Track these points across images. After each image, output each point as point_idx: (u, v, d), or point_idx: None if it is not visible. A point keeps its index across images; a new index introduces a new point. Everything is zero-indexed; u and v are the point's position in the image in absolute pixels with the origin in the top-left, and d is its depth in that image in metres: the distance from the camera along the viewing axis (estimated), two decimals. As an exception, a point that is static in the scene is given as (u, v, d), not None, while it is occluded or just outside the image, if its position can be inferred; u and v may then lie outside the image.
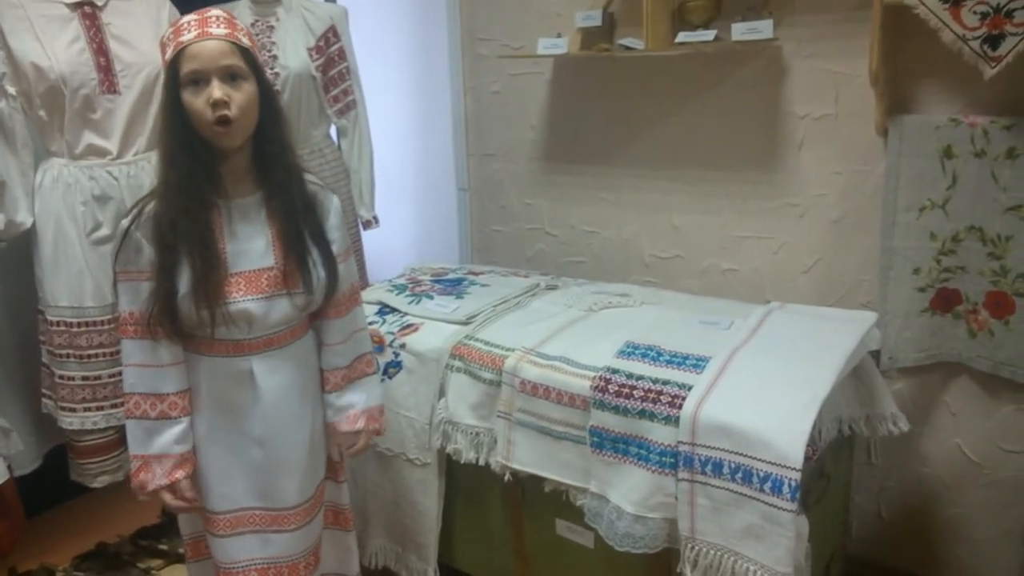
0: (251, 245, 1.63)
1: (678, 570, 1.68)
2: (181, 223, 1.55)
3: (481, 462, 2.00)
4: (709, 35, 2.22)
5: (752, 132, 2.40)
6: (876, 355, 2.09)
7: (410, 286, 2.41)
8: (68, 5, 2.28)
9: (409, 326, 2.18)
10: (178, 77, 1.52)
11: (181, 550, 1.91)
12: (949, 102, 2.07)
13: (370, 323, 2.21)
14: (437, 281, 2.47)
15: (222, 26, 1.55)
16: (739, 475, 1.58)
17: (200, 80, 1.51)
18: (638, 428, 1.72)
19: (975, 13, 1.84)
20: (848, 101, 2.22)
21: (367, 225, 2.85)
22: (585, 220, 2.84)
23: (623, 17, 2.53)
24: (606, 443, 1.76)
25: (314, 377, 1.80)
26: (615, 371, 1.79)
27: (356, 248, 2.86)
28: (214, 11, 1.58)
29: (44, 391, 2.52)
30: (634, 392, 1.74)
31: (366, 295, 2.39)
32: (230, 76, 1.53)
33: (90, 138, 2.34)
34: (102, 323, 2.39)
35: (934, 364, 2.19)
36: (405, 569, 2.25)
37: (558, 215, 2.91)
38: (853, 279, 2.32)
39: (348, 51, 2.72)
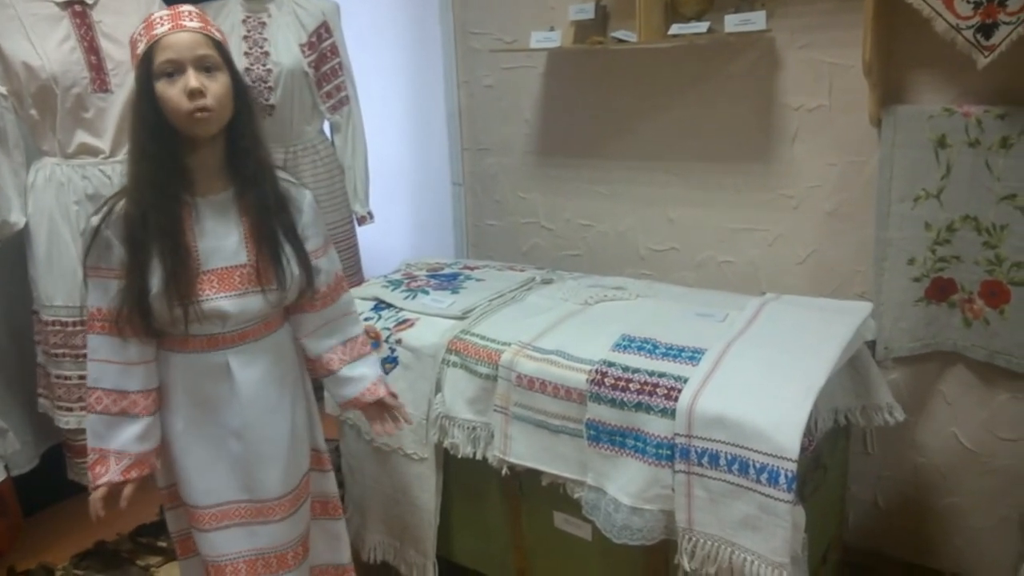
0: (223, 242, 1.63)
1: (675, 561, 1.68)
2: (152, 220, 1.55)
3: (478, 456, 2.01)
4: (702, 27, 2.22)
5: (746, 124, 2.40)
6: (872, 345, 2.09)
7: (405, 281, 2.41)
8: (58, 4, 2.28)
9: (405, 321, 2.18)
10: (151, 69, 1.53)
11: (168, 545, 1.92)
12: (943, 92, 2.07)
13: (365, 319, 2.21)
14: (433, 276, 2.46)
15: (195, 20, 1.57)
16: (735, 466, 1.58)
17: (175, 71, 1.52)
18: (634, 421, 1.72)
19: (968, 2, 1.83)
20: (842, 92, 2.22)
21: (362, 221, 2.85)
22: (580, 213, 2.84)
23: (616, 10, 2.52)
24: (603, 436, 1.76)
25: (292, 369, 1.81)
26: (611, 364, 1.79)
27: (351, 244, 2.87)
28: (185, 6, 1.60)
29: (40, 391, 2.52)
30: (630, 385, 1.74)
31: (361, 291, 2.38)
32: (205, 67, 1.54)
33: (82, 137, 2.33)
34: (92, 321, 2.39)
35: (930, 353, 2.19)
36: (404, 563, 2.26)
37: (553, 209, 2.91)
38: (848, 270, 2.32)
39: (340, 47, 2.72)
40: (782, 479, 1.52)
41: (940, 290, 2.12)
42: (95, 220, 1.59)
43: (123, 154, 2.39)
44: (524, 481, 1.99)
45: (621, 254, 2.77)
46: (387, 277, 2.48)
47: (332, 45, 2.68)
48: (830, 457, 1.94)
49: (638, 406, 1.71)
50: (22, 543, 2.69)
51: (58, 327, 2.37)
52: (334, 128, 2.78)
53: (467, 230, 3.19)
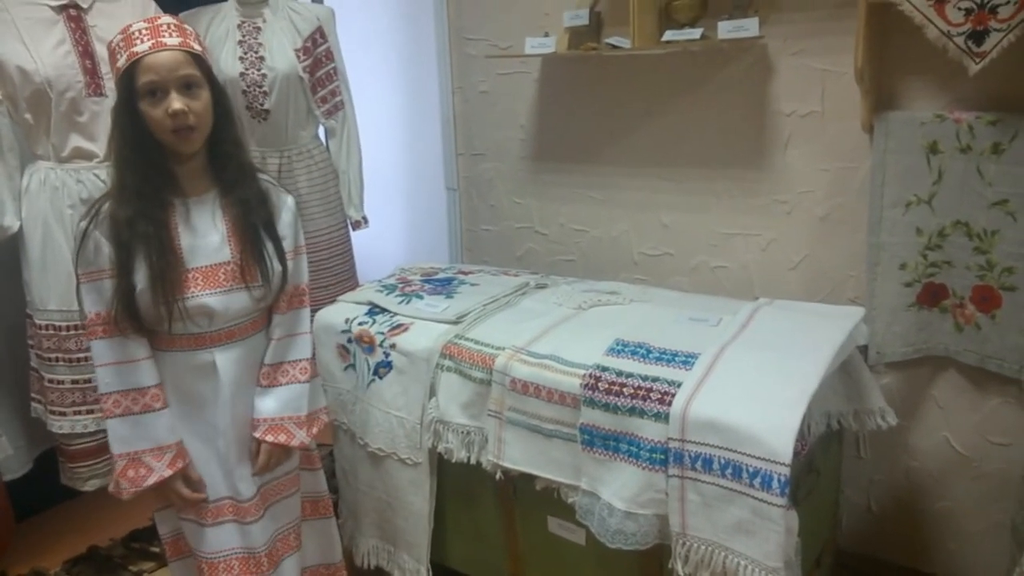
0: (207, 240, 1.67)
1: (669, 566, 1.69)
2: (138, 223, 1.59)
3: (472, 461, 2.01)
4: (695, 33, 2.23)
5: (739, 130, 2.41)
6: (864, 350, 2.10)
7: (400, 286, 2.41)
8: (53, 8, 2.28)
9: (399, 326, 2.18)
10: (133, 87, 1.56)
11: (157, 547, 1.93)
12: (934, 98, 2.09)
13: (360, 323, 2.22)
14: (427, 281, 2.47)
15: (174, 35, 1.59)
16: (729, 471, 1.59)
17: (157, 91, 1.56)
18: (628, 425, 1.73)
19: (959, 9, 1.85)
20: (834, 98, 2.23)
21: (356, 226, 2.85)
22: (574, 219, 2.85)
23: (610, 16, 2.53)
24: (596, 440, 1.77)
25: None
26: (605, 369, 1.80)
27: (345, 249, 2.86)
28: (164, 18, 1.63)
29: (33, 395, 2.51)
30: (624, 389, 1.74)
31: (356, 295, 2.39)
32: (186, 85, 1.58)
33: (77, 141, 2.33)
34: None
35: (921, 358, 2.20)
36: (397, 569, 2.26)
37: (547, 214, 2.92)
38: (840, 275, 2.33)
39: (335, 52, 2.72)
40: (775, 483, 1.52)
41: (932, 295, 2.13)
42: (83, 224, 1.62)
43: (117, 158, 2.39)
44: (518, 486, 1.99)
45: (615, 259, 2.77)
46: (382, 282, 2.48)
47: (327, 50, 2.68)
48: (823, 461, 1.94)
49: (632, 410, 1.72)
50: (15, 548, 2.68)
51: (51, 331, 2.37)
52: (329, 133, 2.78)
53: (461, 235, 3.19)
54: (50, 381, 2.40)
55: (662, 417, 1.68)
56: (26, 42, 2.24)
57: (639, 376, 1.76)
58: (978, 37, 1.84)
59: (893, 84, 2.13)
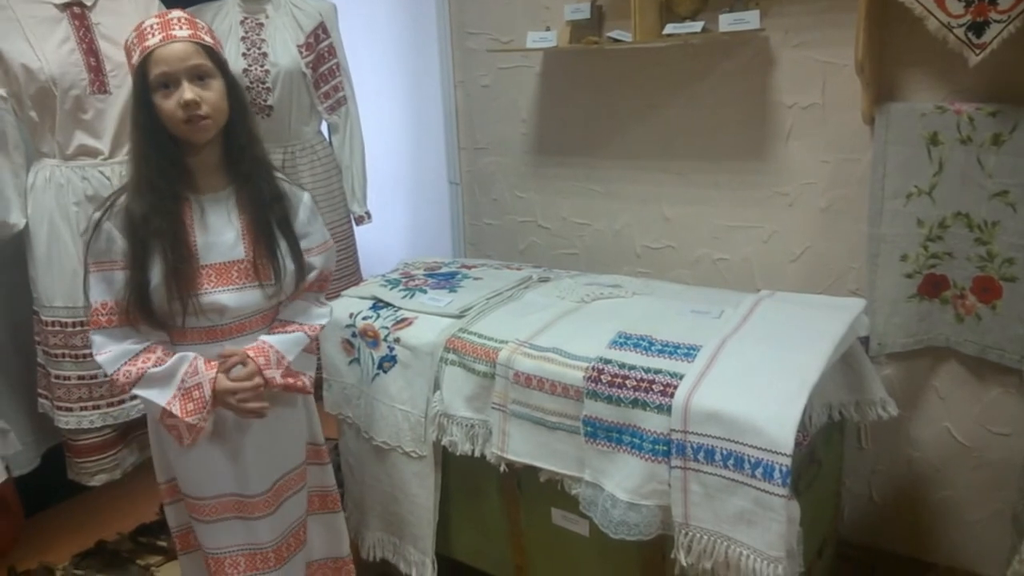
0: (221, 238, 1.68)
1: (672, 556, 1.70)
2: (153, 218, 1.59)
3: (477, 454, 2.02)
4: (696, 26, 2.23)
5: (741, 122, 2.42)
6: (865, 341, 2.11)
7: (403, 280, 2.42)
8: (57, 6, 2.28)
9: (403, 320, 2.20)
10: (147, 80, 1.58)
11: (167, 541, 1.93)
12: (935, 90, 2.09)
13: (364, 318, 2.23)
14: (430, 275, 2.48)
15: (184, 27, 1.60)
16: (731, 461, 1.60)
17: (170, 83, 1.57)
18: (631, 417, 1.74)
19: (959, 1, 1.85)
20: (835, 90, 2.24)
21: (360, 221, 2.86)
22: (576, 212, 2.85)
23: (611, 10, 2.54)
24: (600, 432, 1.78)
25: None
26: (608, 361, 1.81)
27: (349, 244, 2.88)
28: (175, 13, 1.64)
29: (40, 391, 2.53)
30: (627, 382, 1.75)
31: (359, 290, 2.40)
32: (198, 76, 1.59)
33: (81, 138, 2.34)
34: (90, 319, 2.40)
35: (922, 349, 2.21)
36: (403, 561, 2.27)
37: (550, 207, 2.92)
38: (842, 266, 2.34)
39: (338, 47, 2.73)
40: (777, 474, 1.53)
41: (932, 286, 2.14)
42: (97, 215, 1.63)
43: (123, 155, 2.39)
44: (522, 478, 2.00)
45: (617, 252, 2.78)
46: (385, 276, 2.50)
47: (329, 46, 2.69)
48: (825, 452, 1.95)
49: (634, 402, 1.73)
50: (23, 543, 2.70)
51: (58, 328, 2.38)
52: (332, 128, 2.79)
53: (464, 229, 3.20)
54: (56, 377, 2.42)
55: (664, 409, 1.69)
56: (30, 40, 2.25)
57: (642, 368, 1.77)
58: (978, 28, 1.85)
59: (894, 76, 2.14)
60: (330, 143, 2.81)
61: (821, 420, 1.85)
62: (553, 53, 2.72)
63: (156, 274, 1.60)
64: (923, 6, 1.90)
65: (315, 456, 1.96)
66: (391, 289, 2.36)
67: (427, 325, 2.15)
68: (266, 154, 1.78)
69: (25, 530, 2.73)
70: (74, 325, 2.38)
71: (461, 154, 3.13)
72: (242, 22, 2.57)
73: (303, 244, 1.78)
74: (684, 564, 1.67)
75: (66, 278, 2.37)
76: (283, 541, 1.83)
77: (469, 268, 2.56)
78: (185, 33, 1.59)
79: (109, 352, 1.63)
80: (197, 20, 1.65)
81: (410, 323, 2.18)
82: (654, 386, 1.73)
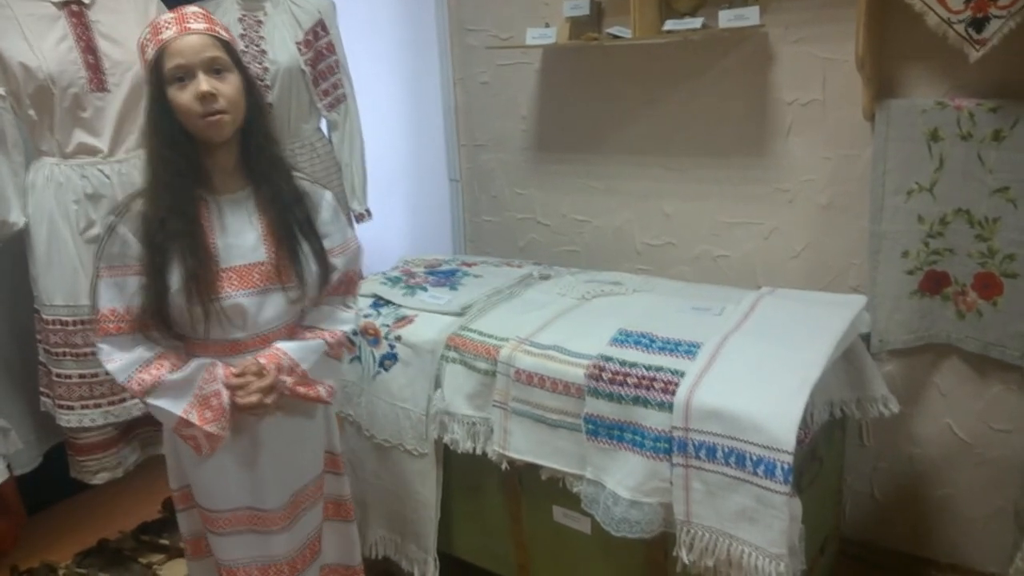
0: (241, 240, 1.63)
1: (674, 554, 1.70)
2: (170, 221, 1.54)
3: (478, 451, 2.02)
4: (696, 22, 2.23)
5: (741, 118, 2.41)
6: (866, 338, 2.11)
7: (404, 278, 2.42)
8: (55, 4, 2.28)
9: (404, 318, 2.20)
10: (162, 75, 1.53)
11: (182, 544, 1.92)
12: (935, 85, 2.09)
13: (365, 316, 2.23)
14: (431, 273, 2.48)
15: (201, 21, 1.57)
16: (733, 459, 1.60)
17: (185, 76, 1.52)
18: (632, 414, 1.74)
19: (959, -4, 1.85)
20: (835, 86, 2.23)
21: (360, 218, 2.86)
22: (576, 209, 2.85)
23: (610, 6, 2.53)
24: (601, 430, 1.78)
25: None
26: (609, 359, 1.81)
27: (350, 241, 2.87)
28: (190, 8, 1.60)
29: (42, 389, 2.53)
30: (628, 379, 1.75)
31: (360, 288, 2.39)
32: (214, 69, 1.54)
33: (81, 137, 2.34)
34: (95, 321, 2.39)
35: (924, 346, 2.21)
36: (405, 559, 2.28)
37: (550, 204, 2.92)
38: (843, 263, 2.34)
39: (337, 44, 2.72)
40: (779, 471, 1.53)
41: (934, 283, 2.14)
42: (111, 219, 1.58)
43: (122, 153, 2.39)
44: (523, 476, 2.01)
45: (617, 249, 2.78)
46: (386, 274, 2.50)
47: (328, 43, 2.68)
48: (826, 449, 1.95)
49: (636, 400, 1.73)
50: (25, 542, 2.71)
51: (58, 326, 2.38)
52: (331, 126, 2.79)
53: (464, 226, 3.20)
54: (58, 375, 2.42)
55: (666, 406, 1.69)
56: (29, 38, 2.24)
57: (643, 366, 1.77)
58: (978, 24, 1.84)
59: (894, 72, 2.13)
60: (329, 140, 2.81)
61: (822, 417, 1.85)
62: (552, 50, 2.72)
63: (175, 279, 1.55)
64: (923, 2, 1.89)
65: (332, 465, 1.91)
66: (392, 287, 2.36)
67: (428, 323, 2.15)
68: (284, 154, 1.72)
69: (27, 529, 2.73)
70: (75, 323, 2.38)
71: (461, 151, 3.12)
72: (240, 19, 2.56)
73: (324, 244, 1.71)
74: (686, 562, 1.68)
75: (66, 276, 2.36)
76: (299, 554, 1.79)
77: (469, 265, 2.56)
78: (201, 26, 1.55)
79: (119, 360, 1.58)
80: (213, 15, 1.62)
81: (411, 321, 2.18)
82: (655, 383, 1.72)
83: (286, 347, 1.68)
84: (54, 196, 2.34)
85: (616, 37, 2.39)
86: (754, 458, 1.57)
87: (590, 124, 2.73)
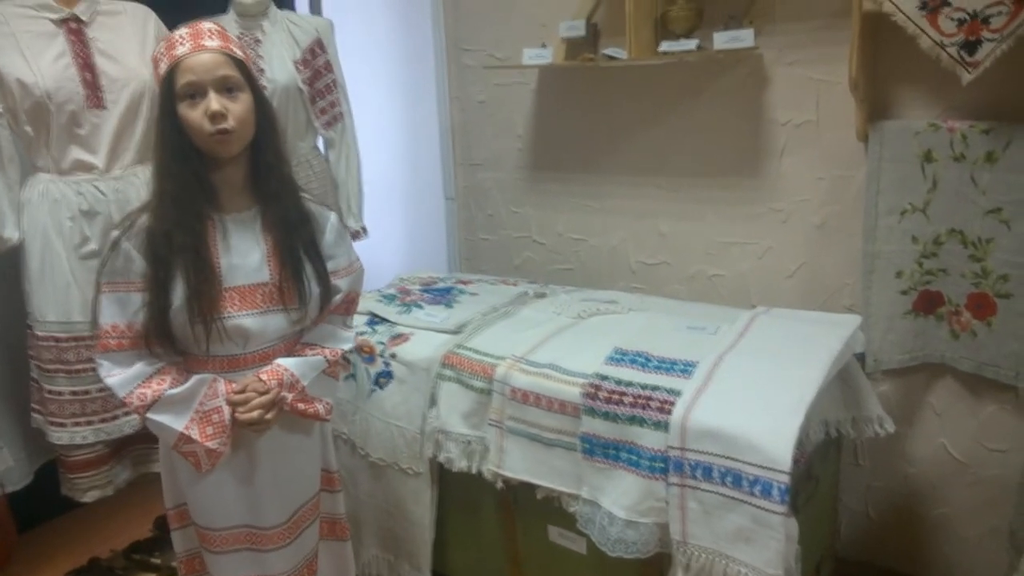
0: (246, 260, 1.62)
1: (670, 574, 1.70)
2: (176, 236, 1.54)
3: (473, 470, 2.01)
4: (691, 44, 2.25)
5: (735, 139, 2.43)
6: (861, 357, 2.12)
7: (399, 296, 2.42)
8: (53, 21, 2.28)
9: (399, 336, 2.19)
10: (173, 90, 1.53)
11: (174, 564, 1.90)
12: (928, 107, 2.11)
13: (360, 333, 2.22)
14: (426, 291, 2.48)
15: (215, 38, 1.57)
16: (729, 479, 1.60)
17: (196, 93, 1.52)
18: (628, 434, 1.74)
19: (952, 19, 1.87)
20: (829, 108, 2.25)
21: (355, 236, 2.86)
22: (572, 228, 2.86)
23: (606, 27, 2.55)
24: (597, 449, 1.78)
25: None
26: (605, 378, 1.81)
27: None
28: (206, 24, 1.59)
29: (34, 406, 2.51)
30: (624, 398, 1.75)
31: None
32: (226, 88, 1.54)
33: (77, 153, 2.33)
34: (90, 338, 2.36)
35: (918, 365, 2.22)
36: (399, 578, 2.26)
37: (545, 223, 2.93)
38: (837, 283, 2.35)
39: (334, 63, 2.73)
40: (775, 491, 1.53)
41: (928, 302, 2.15)
42: (115, 234, 1.58)
43: (118, 170, 2.39)
44: (519, 495, 2.00)
45: (613, 268, 2.79)
46: (381, 292, 2.50)
47: (326, 62, 2.69)
48: (822, 469, 1.95)
49: (632, 419, 1.73)
50: (16, 560, 2.68)
51: (51, 343, 2.37)
52: (328, 144, 2.79)
53: (460, 244, 3.20)
54: (49, 392, 2.40)
55: (662, 426, 1.69)
56: (26, 55, 2.24)
57: (639, 385, 1.77)
58: (971, 47, 1.86)
59: (887, 93, 2.15)
60: (326, 158, 2.81)
61: (818, 437, 1.85)
62: (549, 70, 2.73)
63: (178, 296, 1.54)
64: (916, 25, 1.91)
65: (327, 483, 1.89)
66: (387, 304, 2.35)
67: (423, 341, 2.15)
68: (292, 174, 1.72)
69: (18, 547, 2.71)
70: (67, 340, 2.37)
71: (457, 170, 3.13)
72: (239, 38, 2.57)
73: (329, 266, 1.72)
74: (682, 582, 1.67)
75: (59, 293, 2.35)
76: (296, 572, 1.78)
77: (465, 283, 2.56)
78: (215, 44, 1.55)
79: (120, 375, 1.58)
80: (228, 33, 1.61)
81: (406, 339, 2.18)
82: (651, 403, 1.73)
83: (287, 363, 1.67)
84: (49, 212, 2.33)
85: (612, 58, 2.41)
86: (750, 478, 1.57)
87: (586, 144, 2.75)
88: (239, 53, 1.59)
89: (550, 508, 1.92)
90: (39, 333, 2.37)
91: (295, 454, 1.76)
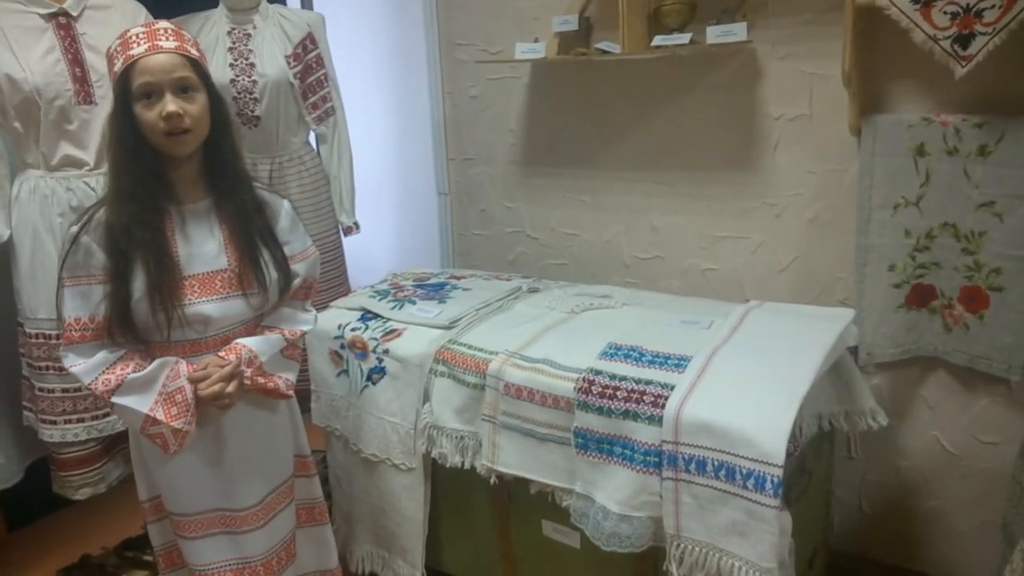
0: (203, 248, 1.66)
1: (664, 568, 1.70)
2: (135, 230, 1.57)
3: (466, 466, 2.01)
4: (684, 38, 2.24)
5: (728, 133, 2.43)
6: (854, 351, 2.11)
7: (392, 291, 2.42)
8: (42, 16, 2.27)
9: (392, 331, 2.19)
10: (129, 90, 1.56)
11: (151, 558, 1.91)
12: (921, 101, 2.11)
13: (353, 329, 2.22)
14: (419, 286, 2.47)
15: (171, 39, 1.59)
16: (722, 472, 1.60)
17: (152, 93, 1.55)
18: (622, 428, 1.73)
19: (945, 13, 1.87)
20: (822, 101, 2.25)
21: (348, 231, 2.85)
22: (565, 222, 2.86)
23: (599, 21, 2.55)
24: (591, 444, 1.78)
25: None
26: (598, 372, 1.81)
27: (337, 255, 2.86)
28: (161, 23, 1.63)
29: (25, 403, 2.50)
30: (617, 393, 1.75)
31: (348, 301, 2.39)
32: (182, 88, 1.57)
33: (66, 149, 2.32)
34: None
35: (911, 359, 2.22)
36: (392, 574, 2.26)
37: (538, 218, 2.92)
38: (830, 277, 2.35)
39: (326, 58, 2.72)
40: (768, 485, 1.53)
41: (920, 296, 2.15)
42: (74, 228, 1.61)
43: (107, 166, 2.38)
44: (512, 490, 2.00)
45: (606, 263, 2.79)
46: (374, 287, 2.49)
47: (317, 56, 2.68)
48: (815, 462, 1.96)
49: (625, 414, 1.73)
50: (6, 558, 2.67)
51: (42, 340, 2.36)
52: (320, 139, 2.78)
53: (453, 239, 3.20)
54: (40, 390, 2.39)
55: (655, 420, 1.69)
56: (15, 50, 2.23)
57: (632, 379, 1.76)
58: (964, 41, 1.86)
59: (880, 87, 2.15)
60: (318, 153, 2.80)
61: (811, 430, 1.85)
62: (541, 64, 2.73)
63: (138, 287, 1.58)
64: (909, 18, 1.91)
65: (301, 468, 1.95)
66: (380, 300, 2.35)
67: (416, 336, 2.14)
68: (246, 166, 1.78)
69: (9, 545, 2.70)
70: (58, 337, 2.35)
71: (449, 164, 3.13)
72: (230, 32, 2.56)
73: (285, 251, 1.77)
74: (676, 576, 1.67)
75: (49, 290, 2.33)
76: (274, 555, 1.81)
77: (458, 279, 2.56)
78: (171, 44, 1.58)
79: (84, 363, 1.61)
80: (184, 32, 1.64)
81: (399, 334, 2.17)
82: (645, 397, 1.72)
83: (246, 341, 1.72)
84: (39, 209, 2.32)
85: (605, 52, 2.40)
86: (744, 471, 1.57)
87: (579, 138, 2.74)
88: (195, 52, 1.62)
89: (544, 503, 1.92)
90: (29, 330, 2.36)
91: (263, 432, 1.79)
